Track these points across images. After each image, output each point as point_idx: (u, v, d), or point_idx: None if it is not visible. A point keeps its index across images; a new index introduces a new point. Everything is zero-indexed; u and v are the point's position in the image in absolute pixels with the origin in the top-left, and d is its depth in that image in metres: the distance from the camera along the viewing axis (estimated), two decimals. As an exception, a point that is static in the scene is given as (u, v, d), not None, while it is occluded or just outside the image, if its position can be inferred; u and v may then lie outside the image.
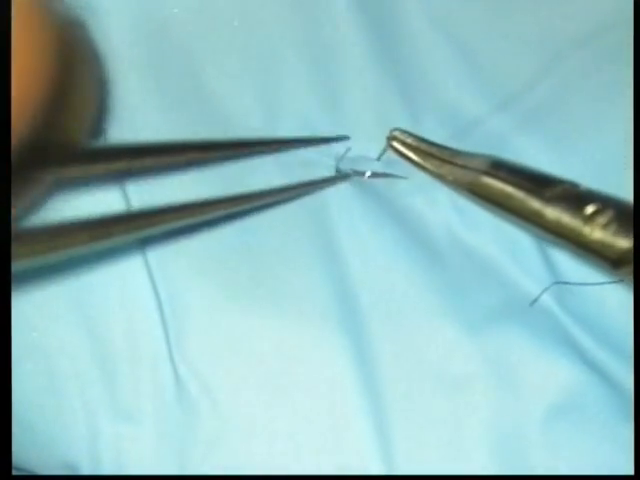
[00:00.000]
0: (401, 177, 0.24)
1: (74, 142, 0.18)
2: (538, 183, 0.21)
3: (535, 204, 0.21)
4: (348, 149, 0.24)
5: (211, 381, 0.23)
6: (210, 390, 0.23)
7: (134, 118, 0.23)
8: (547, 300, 0.23)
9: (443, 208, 0.24)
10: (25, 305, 0.23)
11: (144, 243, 0.23)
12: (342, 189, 0.24)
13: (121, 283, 0.23)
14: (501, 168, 0.22)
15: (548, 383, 0.22)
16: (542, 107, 0.23)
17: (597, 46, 0.23)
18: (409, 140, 0.24)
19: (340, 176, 0.24)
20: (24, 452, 0.23)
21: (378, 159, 0.24)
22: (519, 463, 0.22)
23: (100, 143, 0.22)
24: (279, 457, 0.23)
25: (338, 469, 0.23)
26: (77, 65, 0.18)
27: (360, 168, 0.24)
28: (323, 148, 0.24)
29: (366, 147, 0.24)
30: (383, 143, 0.24)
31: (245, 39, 0.24)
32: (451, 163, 0.23)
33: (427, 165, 0.23)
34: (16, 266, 0.14)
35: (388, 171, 0.24)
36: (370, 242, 0.24)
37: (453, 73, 0.24)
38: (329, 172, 0.24)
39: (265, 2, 0.24)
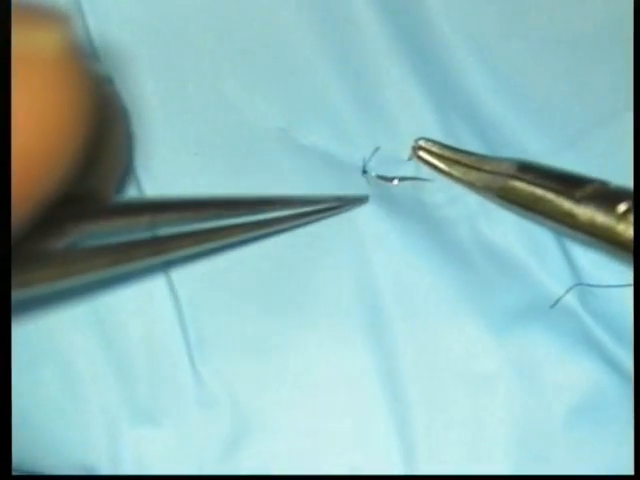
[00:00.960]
0: (426, 180, 0.24)
1: (103, 197, 0.19)
2: (568, 184, 0.21)
3: (566, 205, 0.21)
4: (376, 149, 0.24)
5: (231, 381, 0.23)
6: (230, 390, 0.23)
7: (153, 126, 0.23)
8: (570, 300, 0.23)
9: (467, 207, 0.24)
10: (35, 318, 0.23)
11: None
12: (368, 193, 0.24)
13: (139, 286, 0.23)
14: (529, 171, 0.22)
15: (570, 383, 0.22)
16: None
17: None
18: (435, 148, 0.24)
19: (358, 199, 0.24)
20: (43, 456, 0.24)
21: (409, 159, 0.24)
22: (540, 463, 0.22)
23: (126, 197, 0.23)
24: (300, 457, 0.23)
25: (359, 468, 0.23)
26: (108, 122, 0.18)
27: (388, 169, 0.24)
28: (351, 148, 0.24)
29: (394, 148, 0.24)
30: (410, 142, 0.24)
31: (266, 41, 0.24)
32: (478, 169, 0.23)
33: (455, 172, 0.23)
34: (36, 291, 0.15)
35: (415, 172, 0.24)
36: (394, 240, 0.24)
37: (477, 75, 0.24)
38: (356, 173, 0.24)
39: (284, 3, 0.23)
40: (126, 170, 0.23)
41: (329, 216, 0.23)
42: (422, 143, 0.24)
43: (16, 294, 0.15)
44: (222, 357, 0.23)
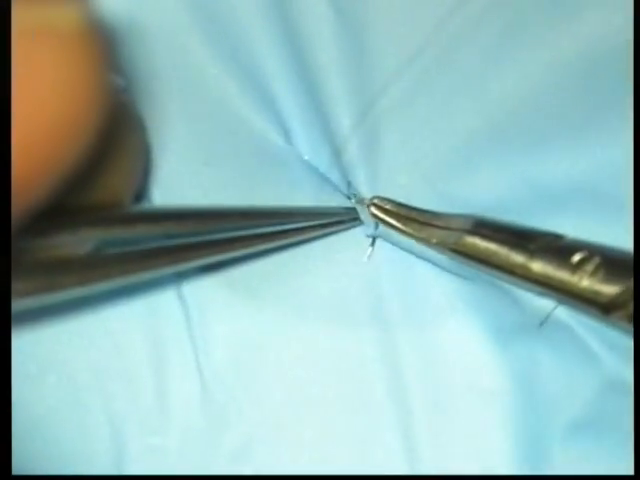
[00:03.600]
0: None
1: (120, 204, 0.19)
2: (522, 237, 0.21)
3: (520, 258, 0.21)
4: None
5: (237, 391, 0.23)
6: (236, 400, 0.23)
7: (161, 135, 0.23)
8: (565, 315, 0.23)
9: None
10: (46, 326, 0.23)
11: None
12: None
13: (146, 292, 0.23)
14: (484, 226, 0.22)
15: (568, 398, 0.23)
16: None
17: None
18: (388, 206, 0.24)
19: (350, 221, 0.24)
20: (49, 467, 0.23)
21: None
22: (541, 473, 0.23)
23: (142, 205, 0.23)
24: (305, 467, 0.23)
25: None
26: (123, 126, 0.18)
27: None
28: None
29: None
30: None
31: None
32: (432, 225, 0.23)
33: (409, 230, 0.24)
34: (52, 297, 0.16)
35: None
36: (398, 253, 0.24)
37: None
38: None
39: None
40: (143, 179, 0.22)
41: (343, 229, 0.24)
42: (376, 201, 0.24)
43: (32, 300, 0.15)
44: (228, 367, 0.23)
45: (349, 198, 0.24)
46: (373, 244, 0.25)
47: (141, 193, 0.23)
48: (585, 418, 0.23)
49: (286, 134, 0.24)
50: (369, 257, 0.25)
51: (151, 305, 0.23)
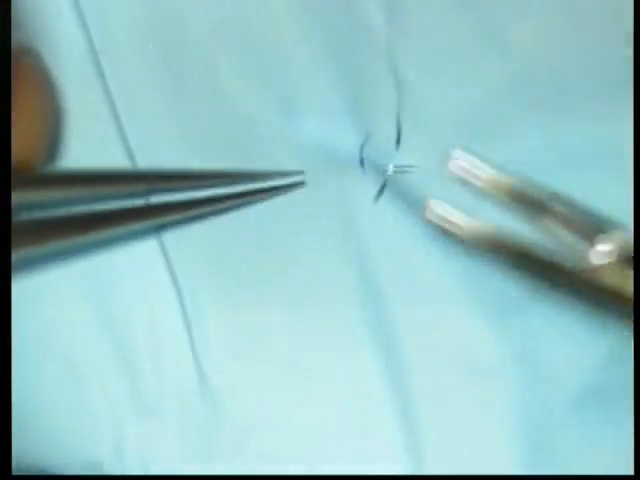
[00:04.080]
0: (417, 167, 0.23)
1: (29, 167, 0.19)
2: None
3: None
4: (367, 137, 0.23)
5: (235, 377, 0.23)
6: (234, 386, 0.23)
7: (149, 118, 0.23)
8: None
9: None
10: (47, 306, 0.23)
11: (164, 241, 0.23)
12: (365, 181, 0.24)
13: (142, 281, 0.23)
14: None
15: (572, 369, 0.23)
16: None
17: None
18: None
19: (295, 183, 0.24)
20: (50, 453, 0.24)
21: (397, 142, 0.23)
22: (545, 450, 0.23)
23: (58, 168, 0.22)
24: (304, 452, 0.23)
25: (364, 461, 0.23)
26: (27, 92, 0.18)
27: (381, 157, 0.24)
28: (344, 136, 0.24)
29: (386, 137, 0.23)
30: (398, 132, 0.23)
31: (259, 35, 0.23)
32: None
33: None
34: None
35: (406, 159, 0.23)
36: (393, 232, 0.23)
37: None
38: (352, 162, 0.24)
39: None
40: (56, 142, 0.22)
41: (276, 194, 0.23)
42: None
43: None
44: (225, 352, 0.23)
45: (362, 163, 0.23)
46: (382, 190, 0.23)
47: (54, 155, 0.22)
48: (590, 388, 0.23)
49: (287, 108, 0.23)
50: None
51: (147, 294, 0.23)
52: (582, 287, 0.20)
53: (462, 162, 0.22)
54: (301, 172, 0.23)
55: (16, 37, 0.17)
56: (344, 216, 0.24)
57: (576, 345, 0.23)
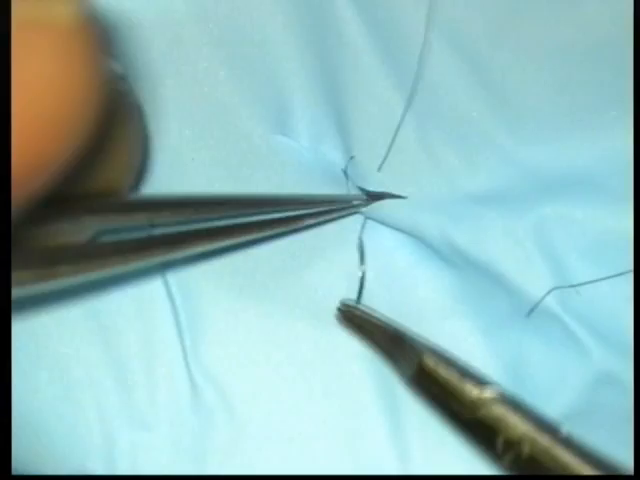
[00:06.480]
0: (400, 197, 0.23)
1: (116, 193, 0.19)
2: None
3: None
4: (351, 158, 0.24)
5: (227, 388, 0.24)
6: (226, 397, 0.23)
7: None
8: (553, 305, 0.23)
9: (441, 221, 0.23)
10: (40, 315, 0.23)
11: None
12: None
13: (136, 290, 0.23)
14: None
15: (558, 389, 0.23)
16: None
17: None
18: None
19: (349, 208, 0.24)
20: (41, 460, 0.23)
21: (379, 170, 0.23)
22: None
23: (140, 194, 0.23)
24: (296, 464, 0.23)
25: (354, 469, 0.23)
26: (120, 119, 0.18)
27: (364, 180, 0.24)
28: (337, 153, 0.24)
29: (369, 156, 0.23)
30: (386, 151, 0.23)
31: (251, 47, 0.23)
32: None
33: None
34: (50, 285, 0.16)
35: (390, 182, 0.23)
36: (389, 246, 0.24)
37: (460, 84, 0.22)
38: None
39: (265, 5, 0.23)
40: (142, 169, 0.22)
41: (334, 219, 0.24)
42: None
43: (30, 288, 0.15)
44: (218, 363, 0.24)
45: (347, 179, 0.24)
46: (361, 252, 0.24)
47: (140, 181, 0.23)
48: (575, 409, 0.23)
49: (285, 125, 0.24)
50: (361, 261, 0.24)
51: (141, 302, 0.23)
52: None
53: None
54: (363, 197, 0.23)
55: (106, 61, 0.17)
56: (338, 228, 0.24)
57: (565, 362, 0.23)
